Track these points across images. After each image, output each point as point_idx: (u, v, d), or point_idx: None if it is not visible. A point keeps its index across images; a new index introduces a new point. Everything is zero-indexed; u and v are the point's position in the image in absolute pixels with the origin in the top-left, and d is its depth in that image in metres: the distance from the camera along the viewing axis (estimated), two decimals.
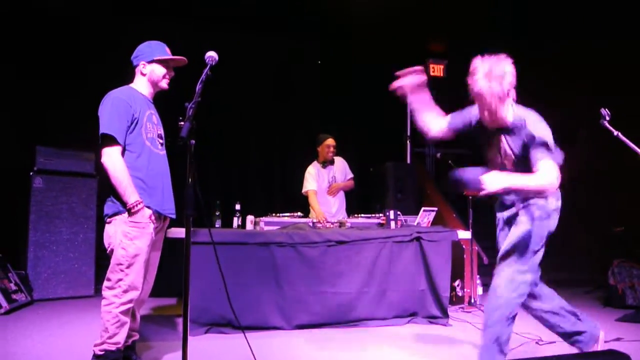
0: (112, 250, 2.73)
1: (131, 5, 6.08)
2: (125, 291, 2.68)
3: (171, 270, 3.95)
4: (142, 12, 6.13)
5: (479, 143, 2.84)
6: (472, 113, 2.78)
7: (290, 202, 5.91)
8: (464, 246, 5.27)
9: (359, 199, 6.42)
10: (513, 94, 2.61)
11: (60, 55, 5.89)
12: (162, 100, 3.06)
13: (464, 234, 5.03)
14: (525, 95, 2.61)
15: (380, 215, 4.95)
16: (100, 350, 2.66)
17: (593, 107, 2.94)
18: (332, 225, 4.62)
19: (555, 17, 6.92)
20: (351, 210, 5.70)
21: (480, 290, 5.29)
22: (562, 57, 7.19)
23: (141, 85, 2.92)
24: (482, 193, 2.41)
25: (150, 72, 2.89)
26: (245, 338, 2.76)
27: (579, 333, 2.90)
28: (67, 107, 5.69)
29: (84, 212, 5.58)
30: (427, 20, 7.09)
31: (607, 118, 2.70)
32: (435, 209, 5.05)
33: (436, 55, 8.04)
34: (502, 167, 2.75)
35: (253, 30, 6.65)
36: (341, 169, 5.56)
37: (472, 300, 5.14)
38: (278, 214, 4.84)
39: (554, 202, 2.73)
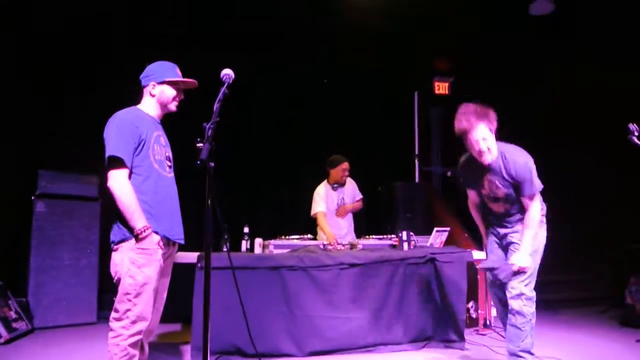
0: (119, 279, 2.59)
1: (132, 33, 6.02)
2: (134, 322, 2.54)
3: (175, 295, 3.79)
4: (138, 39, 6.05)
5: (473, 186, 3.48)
6: (468, 170, 3.43)
7: (298, 224, 5.78)
8: (477, 266, 5.12)
9: (367, 219, 6.28)
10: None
11: (62, 77, 5.82)
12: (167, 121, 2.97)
13: (478, 254, 4.89)
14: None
15: (392, 236, 4.82)
16: None
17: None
18: (343, 248, 4.48)
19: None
20: (360, 230, 5.57)
21: (494, 311, 5.12)
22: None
23: (149, 106, 2.81)
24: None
25: (160, 94, 2.79)
26: None
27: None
28: (69, 130, 5.60)
29: (87, 236, 5.45)
30: (432, 39, 7.05)
31: (636, 134, 2.59)
32: (448, 228, 4.92)
33: (441, 74, 8.00)
34: (494, 200, 3.35)
35: (255, 50, 6.59)
36: (350, 191, 5.44)
37: (487, 322, 4.99)
38: (287, 237, 4.70)
39: (543, 227, 3.36)
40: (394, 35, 6.67)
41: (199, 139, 2.00)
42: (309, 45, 6.70)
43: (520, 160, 3.16)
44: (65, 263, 5.27)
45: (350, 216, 5.48)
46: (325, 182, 5.41)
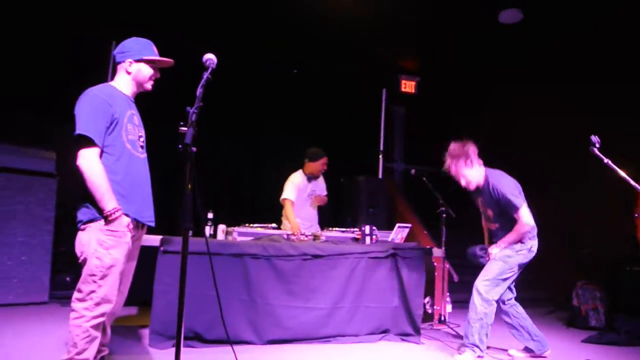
0: (84, 260, 2.53)
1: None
2: (98, 304, 2.50)
3: (134, 278, 3.75)
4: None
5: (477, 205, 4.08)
6: (474, 192, 3.99)
7: (260, 212, 5.77)
8: (435, 263, 5.26)
9: (329, 211, 6.33)
10: (477, 162, 3.80)
11: (22, 49, 5.58)
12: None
13: (436, 252, 5.03)
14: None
15: (355, 229, 4.89)
16: None
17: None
18: (306, 238, 4.51)
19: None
20: (322, 222, 5.61)
21: (449, 307, 5.28)
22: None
23: (124, 83, 2.75)
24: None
25: (136, 72, 2.73)
26: (233, 351, 2.69)
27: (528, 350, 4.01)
28: (29, 103, 5.39)
29: (42, 213, 5.25)
30: (400, 37, 7.14)
31: (597, 145, 2.72)
32: (410, 225, 5.02)
33: (408, 72, 8.12)
34: (489, 217, 3.95)
35: (227, 39, 6.50)
36: (321, 185, 5.52)
37: (442, 318, 5.13)
38: (251, 225, 4.68)
39: (528, 242, 3.83)
40: (366, 32, 6.71)
41: (182, 123, 1.97)
42: (281, 38, 6.66)
43: (499, 184, 3.75)
44: (18, 240, 5.07)
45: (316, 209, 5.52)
46: (300, 171, 5.41)
